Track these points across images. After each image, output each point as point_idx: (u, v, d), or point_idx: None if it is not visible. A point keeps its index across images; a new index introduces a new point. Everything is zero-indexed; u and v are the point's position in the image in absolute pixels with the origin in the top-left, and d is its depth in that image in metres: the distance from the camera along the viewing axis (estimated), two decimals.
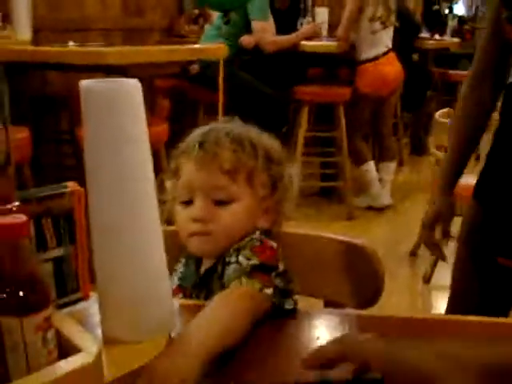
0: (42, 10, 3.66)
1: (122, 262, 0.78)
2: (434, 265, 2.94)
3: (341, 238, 1.20)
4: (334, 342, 0.63)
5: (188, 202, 0.98)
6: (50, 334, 0.64)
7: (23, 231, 0.62)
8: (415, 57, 5.34)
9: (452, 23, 7.86)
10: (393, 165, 4.09)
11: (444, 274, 2.99)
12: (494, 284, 1.25)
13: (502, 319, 0.91)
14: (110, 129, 0.73)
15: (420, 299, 2.99)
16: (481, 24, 8.70)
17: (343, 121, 3.71)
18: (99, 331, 0.80)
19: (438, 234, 1.40)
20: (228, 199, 0.97)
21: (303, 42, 3.85)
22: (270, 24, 3.82)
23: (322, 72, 4.20)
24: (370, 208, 3.93)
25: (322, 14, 4.27)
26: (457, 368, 0.55)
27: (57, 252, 0.85)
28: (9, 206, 0.74)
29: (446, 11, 8.19)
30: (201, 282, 1.00)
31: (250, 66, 3.81)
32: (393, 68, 3.88)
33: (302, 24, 4.16)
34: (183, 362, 0.69)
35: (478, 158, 2.28)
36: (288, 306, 0.89)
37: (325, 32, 4.22)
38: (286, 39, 3.84)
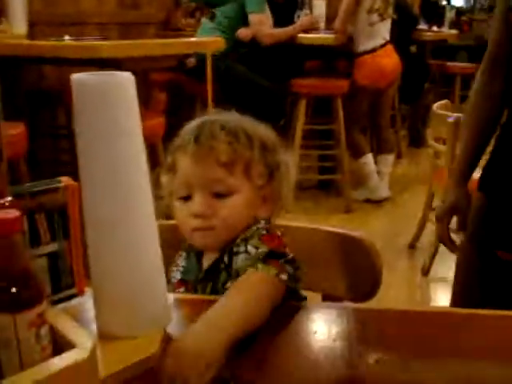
0: (38, 4, 3.65)
1: (117, 256, 0.77)
2: (433, 257, 2.95)
3: (339, 230, 1.19)
4: None
5: (187, 198, 0.98)
6: (44, 330, 0.63)
7: (16, 226, 0.61)
8: (413, 49, 5.33)
9: (450, 15, 7.84)
10: (391, 157, 4.08)
11: (442, 267, 3.00)
12: (495, 278, 1.24)
13: (502, 312, 0.90)
14: (102, 122, 0.72)
15: (418, 292, 2.99)
16: (479, 15, 8.70)
17: (341, 113, 3.70)
18: (94, 327, 0.80)
19: (454, 226, 1.38)
20: (227, 192, 0.97)
21: (300, 35, 3.84)
22: (266, 16, 3.81)
23: (320, 64, 4.19)
24: (368, 201, 3.93)
25: (320, 6, 4.25)
26: None
27: (51, 247, 0.84)
28: (1, 201, 0.73)
29: (444, 3, 8.17)
30: (206, 275, 1.00)
31: (247, 58, 3.80)
32: (390, 60, 3.87)
33: (299, 16, 4.14)
34: (209, 347, 0.72)
35: None
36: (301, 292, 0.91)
37: (322, 24, 4.20)
38: (283, 32, 3.82)
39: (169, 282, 1.06)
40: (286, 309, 0.88)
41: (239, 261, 0.93)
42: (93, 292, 0.81)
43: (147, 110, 2.88)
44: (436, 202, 3.09)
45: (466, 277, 1.35)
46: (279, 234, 0.97)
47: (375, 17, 3.77)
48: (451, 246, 1.41)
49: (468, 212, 1.36)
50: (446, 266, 3.03)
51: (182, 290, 1.03)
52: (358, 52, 3.82)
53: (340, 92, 3.72)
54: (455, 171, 1.38)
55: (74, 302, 0.88)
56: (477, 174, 1.34)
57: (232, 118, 1.02)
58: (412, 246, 3.25)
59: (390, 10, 3.88)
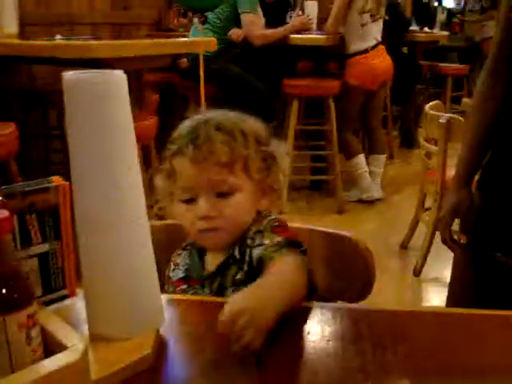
0: (30, 4, 3.63)
1: (109, 257, 0.76)
2: (425, 258, 2.95)
3: (332, 231, 1.19)
4: None
5: (190, 200, 1.00)
6: (35, 332, 0.62)
7: (5, 227, 0.60)
8: (405, 50, 5.34)
9: (441, 16, 7.88)
10: (383, 157, 4.08)
11: (434, 267, 3.00)
12: (491, 279, 1.24)
13: (490, 311, 0.90)
14: (94, 120, 0.72)
15: (410, 292, 2.98)
16: (470, 17, 8.74)
17: (333, 114, 3.70)
18: (85, 328, 0.79)
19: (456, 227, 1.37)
20: (229, 191, 0.99)
21: (292, 36, 3.83)
22: (258, 17, 3.80)
23: (312, 65, 4.18)
24: (360, 201, 3.93)
25: (311, 7, 4.24)
26: None
27: (42, 248, 0.83)
28: None
29: (435, 4, 8.20)
30: (217, 272, 1.01)
31: (240, 59, 3.79)
32: (382, 61, 3.87)
33: (291, 17, 4.14)
34: (262, 315, 0.75)
35: None
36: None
37: (314, 25, 4.20)
38: (274, 32, 3.82)
39: (165, 281, 1.07)
40: None
41: (257, 252, 0.95)
42: (84, 293, 0.80)
43: (140, 111, 2.86)
44: (428, 203, 3.10)
45: (462, 277, 1.35)
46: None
47: (367, 17, 3.77)
48: (453, 246, 1.40)
49: (470, 213, 1.34)
50: (438, 266, 3.04)
51: (184, 287, 1.04)
52: (349, 53, 3.82)
53: (332, 93, 3.72)
54: (457, 172, 1.36)
55: (65, 303, 0.87)
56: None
57: (224, 116, 1.03)
58: (404, 247, 3.25)
59: (382, 11, 3.88)
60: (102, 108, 0.71)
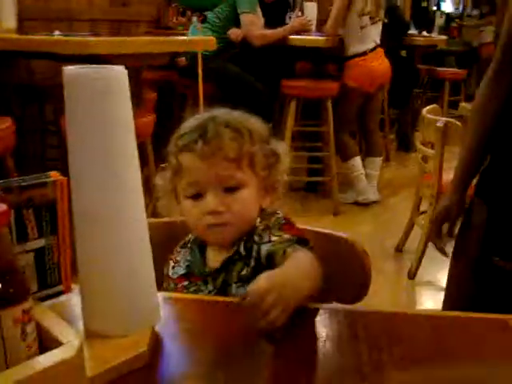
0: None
1: (106, 254, 0.76)
2: (419, 261, 2.95)
3: (328, 232, 1.19)
4: None
5: (197, 196, 1.01)
6: (30, 328, 0.62)
7: (2, 220, 0.60)
8: (403, 53, 5.35)
9: (439, 20, 7.89)
10: (379, 160, 4.09)
11: (429, 270, 3.00)
12: (489, 283, 1.24)
13: (487, 314, 0.90)
14: (94, 115, 0.71)
15: (404, 295, 2.99)
16: (468, 22, 8.75)
17: (331, 116, 3.70)
18: (81, 324, 0.78)
19: (444, 230, 1.38)
20: (237, 186, 1.00)
21: (291, 36, 3.83)
22: (258, 17, 3.80)
23: (310, 67, 4.18)
24: (356, 203, 3.93)
25: (311, 8, 4.24)
26: None
27: (38, 243, 0.83)
28: None
29: (434, 8, 8.22)
30: (221, 268, 1.02)
31: (238, 59, 3.78)
32: (381, 64, 3.87)
33: (290, 18, 4.14)
34: (290, 294, 0.79)
35: None
36: None
37: (313, 27, 4.20)
38: (274, 33, 3.81)
39: (163, 279, 1.07)
40: None
41: (266, 248, 0.97)
42: (80, 289, 0.79)
43: (137, 108, 2.86)
44: (424, 206, 3.10)
45: (459, 280, 1.35)
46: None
47: (366, 20, 3.77)
48: (442, 249, 1.42)
49: (457, 219, 1.36)
50: (433, 270, 3.04)
51: (185, 284, 1.04)
52: (348, 55, 3.82)
53: (330, 94, 3.72)
54: (454, 176, 1.36)
55: (61, 299, 0.87)
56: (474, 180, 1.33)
57: (229, 114, 1.05)
58: (399, 250, 3.25)
59: (382, 14, 3.88)
60: (103, 103, 0.71)
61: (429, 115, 2.82)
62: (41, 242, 0.83)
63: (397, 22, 4.88)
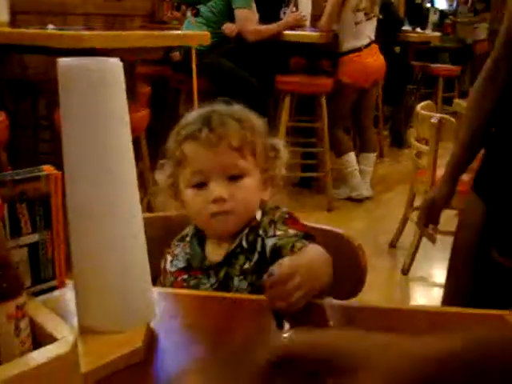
0: None
1: (101, 249, 0.75)
2: (413, 257, 2.95)
3: (324, 227, 1.18)
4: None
5: (200, 185, 1.01)
6: (24, 323, 0.61)
7: None
8: (397, 49, 5.34)
9: (433, 17, 7.90)
10: (373, 156, 4.08)
11: (422, 266, 3.01)
12: (488, 278, 1.24)
13: (484, 310, 0.90)
14: (88, 108, 0.70)
15: (398, 290, 2.99)
16: (462, 18, 8.77)
17: (325, 111, 3.69)
18: (75, 320, 0.77)
19: (430, 218, 1.45)
20: (240, 174, 1.01)
21: (286, 32, 3.82)
22: (252, 13, 3.78)
23: (305, 62, 4.17)
24: (349, 199, 3.92)
25: (305, 4, 4.22)
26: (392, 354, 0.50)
27: (32, 238, 0.81)
28: None
29: (428, 5, 8.22)
30: (224, 261, 1.02)
31: (233, 54, 3.77)
32: (376, 60, 3.86)
33: (284, 13, 4.12)
34: (314, 279, 0.80)
35: None
36: None
37: (308, 22, 4.19)
38: (268, 28, 3.80)
39: (160, 273, 1.06)
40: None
41: (272, 242, 0.97)
42: (75, 285, 0.78)
43: (132, 103, 2.83)
44: (417, 202, 3.09)
45: (456, 275, 1.35)
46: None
47: (361, 16, 3.76)
48: (429, 235, 1.50)
49: (441, 210, 1.42)
50: (426, 265, 3.04)
51: (185, 277, 1.04)
52: (343, 51, 3.81)
53: (324, 90, 3.71)
54: (446, 170, 1.39)
55: (55, 294, 0.86)
56: (467, 176, 1.35)
57: (230, 107, 1.06)
58: (393, 245, 3.25)
59: (376, 10, 3.87)
60: (97, 95, 0.70)
61: (423, 111, 2.81)
62: (34, 237, 0.82)
63: (391, 19, 4.87)
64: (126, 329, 0.75)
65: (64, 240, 0.84)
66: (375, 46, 3.87)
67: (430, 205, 1.42)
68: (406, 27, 5.88)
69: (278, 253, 0.95)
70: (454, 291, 1.35)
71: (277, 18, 4.01)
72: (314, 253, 0.89)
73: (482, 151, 1.36)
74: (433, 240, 1.49)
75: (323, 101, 3.68)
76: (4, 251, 0.60)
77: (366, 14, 3.76)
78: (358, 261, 1.15)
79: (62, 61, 0.70)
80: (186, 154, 1.01)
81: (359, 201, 3.91)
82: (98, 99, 0.70)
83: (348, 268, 1.14)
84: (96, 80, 0.70)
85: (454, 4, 9.38)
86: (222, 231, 1.03)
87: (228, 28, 3.70)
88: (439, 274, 3.00)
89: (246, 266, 1.00)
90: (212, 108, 1.05)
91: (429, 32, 6.54)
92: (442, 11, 8.62)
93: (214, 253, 1.04)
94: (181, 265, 1.06)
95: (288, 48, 3.95)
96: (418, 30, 6.14)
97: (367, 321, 0.86)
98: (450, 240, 1.51)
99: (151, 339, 0.77)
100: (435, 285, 2.93)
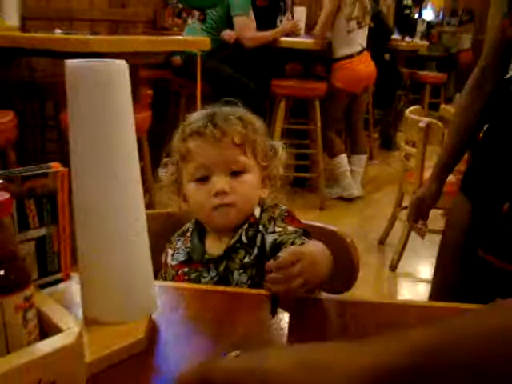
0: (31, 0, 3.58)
1: (105, 244, 0.74)
2: (401, 254, 2.95)
3: (318, 224, 1.18)
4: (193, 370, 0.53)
5: (203, 179, 1.00)
6: (31, 314, 0.60)
7: (5, 209, 0.57)
8: (387, 57, 5.34)
9: (421, 27, 7.91)
10: (364, 157, 4.09)
11: (409, 262, 3.01)
12: (473, 274, 1.23)
13: (471, 305, 0.89)
14: (95, 108, 0.69)
15: (386, 285, 2.99)
16: (447, 28, 8.80)
17: (318, 115, 3.68)
18: (79, 312, 0.76)
19: (419, 214, 1.46)
20: (241, 169, 1.01)
21: (282, 39, 3.81)
22: (250, 20, 3.78)
23: (300, 68, 4.17)
24: (341, 198, 3.92)
25: (300, 12, 4.22)
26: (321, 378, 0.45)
27: (39, 232, 0.80)
28: None
29: (416, 16, 8.23)
30: (225, 254, 1.01)
31: (231, 59, 3.76)
32: (367, 66, 3.86)
33: (281, 21, 4.12)
34: (315, 270, 0.79)
35: None
36: None
37: (302, 30, 4.18)
38: (265, 35, 3.80)
39: (162, 267, 1.05)
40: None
41: (273, 237, 0.97)
42: (80, 278, 0.77)
43: (135, 104, 2.82)
44: (405, 202, 3.09)
45: (443, 271, 1.35)
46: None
47: (353, 24, 3.75)
48: (418, 231, 1.49)
49: (429, 207, 1.42)
50: (413, 262, 3.04)
51: (185, 270, 1.04)
52: (336, 57, 3.80)
53: (318, 94, 3.70)
54: (433, 170, 1.40)
55: (60, 286, 0.85)
56: (454, 178, 1.36)
57: (233, 108, 1.07)
58: (382, 243, 3.25)
59: (368, 19, 3.87)
60: (104, 95, 0.69)
61: (412, 116, 2.81)
62: (41, 231, 0.81)
63: (381, 28, 4.86)
64: (129, 320, 0.74)
65: (70, 235, 0.83)
66: (367, 54, 3.86)
67: (419, 202, 1.43)
68: (396, 36, 5.88)
69: (278, 248, 0.94)
70: (442, 286, 1.35)
71: (273, 26, 4.00)
72: (316, 246, 0.89)
73: (468, 154, 1.37)
74: (422, 235, 1.50)
75: (317, 104, 3.68)
76: (13, 245, 0.59)
77: (358, 22, 3.76)
78: (350, 257, 1.14)
79: (70, 62, 0.69)
80: (190, 149, 1.02)
81: (350, 200, 3.91)
82: (105, 99, 0.69)
83: (341, 264, 1.13)
84: (102, 81, 0.69)
85: (441, 15, 9.42)
86: (223, 224, 1.02)
87: (228, 34, 3.70)
88: (425, 270, 3.00)
89: (246, 260, 0.99)
90: (216, 108, 1.06)
91: (417, 41, 6.54)
92: (429, 22, 8.64)
93: (214, 247, 1.04)
94: (182, 258, 1.05)
95: (284, 54, 3.94)
96: (407, 38, 6.14)
97: (360, 314, 0.86)
98: (435, 238, 1.52)
99: (153, 330, 0.76)
100: (421, 280, 2.93)
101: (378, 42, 4.58)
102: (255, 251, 0.99)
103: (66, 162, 0.79)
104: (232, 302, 0.87)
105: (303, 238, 0.94)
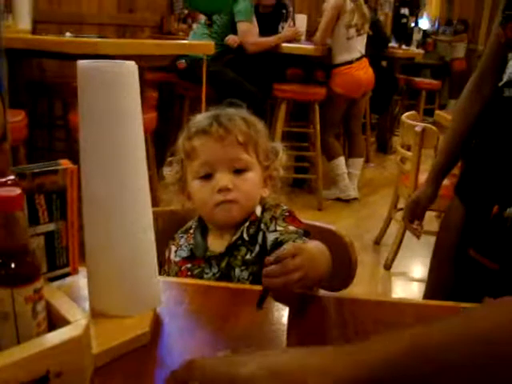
0: (43, 3, 3.58)
1: (112, 239, 0.74)
2: (395, 253, 2.95)
3: (316, 223, 1.17)
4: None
5: (207, 176, 1.01)
6: (40, 306, 0.59)
7: (18, 204, 0.57)
8: (384, 64, 5.34)
9: (417, 36, 7.91)
10: (361, 160, 4.08)
11: (403, 262, 3.00)
12: (466, 275, 1.23)
13: (456, 303, 0.89)
14: (105, 107, 0.69)
15: (381, 284, 2.99)
16: (442, 37, 8.80)
17: (317, 118, 3.68)
18: (86, 305, 0.76)
19: (415, 215, 1.45)
20: (244, 167, 1.02)
21: (284, 45, 3.81)
22: (253, 26, 3.78)
23: (300, 73, 4.17)
24: (338, 199, 3.92)
25: (301, 19, 4.22)
26: None
27: (48, 227, 0.80)
28: (4, 180, 0.69)
29: (413, 25, 8.24)
30: (226, 251, 1.01)
31: (234, 63, 3.76)
32: (366, 72, 3.85)
33: (282, 28, 4.11)
34: (314, 267, 0.78)
35: None
36: None
37: (303, 36, 4.18)
38: (267, 41, 3.80)
39: (165, 263, 1.05)
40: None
41: (274, 236, 0.97)
42: (87, 272, 0.77)
43: (142, 105, 2.82)
44: (401, 204, 3.09)
45: (437, 272, 1.35)
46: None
47: (353, 32, 3.75)
48: (414, 231, 1.48)
49: (424, 209, 1.42)
50: (407, 261, 3.04)
51: (188, 266, 1.03)
52: (335, 63, 3.80)
53: (317, 99, 3.70)
54: (429, 173, 1.39)
55: (68, 280, 0.84)
56: (449, 181, 1.36)
57: (236, 109, 1.07)
58: (377, 243, 3.25)
59: (367, 27, 3.86)
60: (113, 95, 0.68)
61: (408, 120, 2.81)
62: (51, 226, 0.80)
63: (379, 36, 4.86)
64: (134, 314, 0.74)
65: (78, 230, 0.83)
66: (365, 60, 3.86)
67: (415, 203, 1.42)
68: (393, 44, 5.88)
69: (279, 247, 0.93)
70: (436, 285, 1.35)
71: (275, 32, 4.00)
72: (316, 245, 0.89)
73: (461, 160, 1.37)
74: (417, 235, 1.49)
75: (316, 108, 3.67)
76: (24, 239, 0.58)
77: (357, 30, 3.75)
78: (348, 256, 1.14)
79: (82, 63, 0.69)
80: (195, 147, 1.02)
81: (347, 201, 3.90)
82: (114, 99, 0.69)
83: (339, 262, 1.12)
84: (112, 81, 0.68)
85: (436, 24, 9.43)
86: (225, 220, 1.02)
87: (232, 39, 3.70)
88: (419, 269, 3.00)
89: (248, 256, 0.99)
90: (220, 109, 1.07)
91: (413, 49, 6.55)
92: (424, 31, 8.65)
93: (216, 244, 1.03)
94: (184, 254, 1.05)
95: (285, 59, 3.94)
96: (404, 46, 6.15)
97: (359, 311, 0.85)
98: (429, 239, 1.51)
99: (157, 324, 0.76)
100: (414, 279, 2.93)
101: (375, 50, 4.58)
102: (256, 249, 0.99)
103: (73, 160, 0.79)
104: (234, 298, 0.86)
105: (304, 238, 0.94)
